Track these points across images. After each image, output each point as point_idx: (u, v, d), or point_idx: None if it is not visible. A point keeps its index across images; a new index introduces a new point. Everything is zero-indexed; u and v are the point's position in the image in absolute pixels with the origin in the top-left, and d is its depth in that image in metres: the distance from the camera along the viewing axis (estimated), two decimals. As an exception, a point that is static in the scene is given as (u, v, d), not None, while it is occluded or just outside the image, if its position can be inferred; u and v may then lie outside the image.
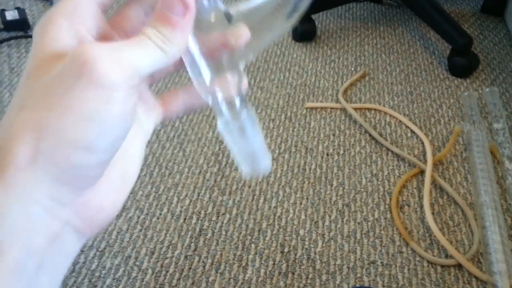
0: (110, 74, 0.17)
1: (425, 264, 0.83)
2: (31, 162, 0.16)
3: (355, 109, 1.13)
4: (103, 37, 0.21)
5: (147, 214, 0.89)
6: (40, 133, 0.17)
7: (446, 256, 0.84)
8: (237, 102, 0.24)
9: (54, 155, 0.17)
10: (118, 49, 0.18)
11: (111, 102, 0.17)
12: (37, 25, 0.19)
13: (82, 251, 0.82)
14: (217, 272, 0.81)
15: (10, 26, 1.35)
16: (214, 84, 0.23)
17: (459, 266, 0.82)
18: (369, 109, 1.15)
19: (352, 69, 1.28)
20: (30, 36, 1.32)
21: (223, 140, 1.05)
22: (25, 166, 0.16)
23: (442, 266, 0.82)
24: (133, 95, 0.19)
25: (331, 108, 1.15)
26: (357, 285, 0.79)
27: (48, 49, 0.18)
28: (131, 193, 0.91)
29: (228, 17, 0.22)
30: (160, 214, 0.89)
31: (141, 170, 0.96)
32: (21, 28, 1.36)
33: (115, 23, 0.22)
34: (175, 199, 0.93)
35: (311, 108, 1.15)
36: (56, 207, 0.18)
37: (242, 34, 0.22)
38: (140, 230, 0.87)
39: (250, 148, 0.25)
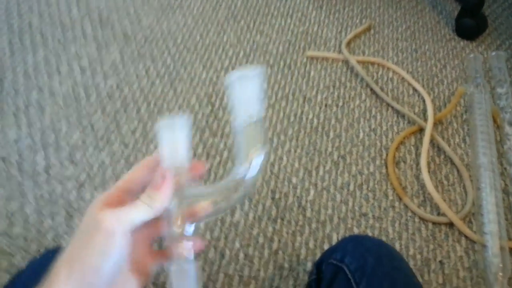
0: (111, 226, 0.28)
1: (417, 220, 0.81)
2: (66, 281, 0.27)
3: (358, 61, 1.08)
4: (118, 201, 0.32)
5: (132, 149, 0.84)
6: (71, 265, 0.28)
7: (438, 214, 0.82)
8: (188, 253, 0.33)
9: (78, 276, 0.28)
10: (120, 211, 0.29)
11: (113, 242, 0.28)
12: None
13: (60, 181, 0.77)
14: (203, 213, 0.78)
15: None
16: (177, 236, 0.33)
17: (450, 224, 0.81)
18: (372, 63, 1.10)
19: (357, 21, 1.22)
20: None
21: (216, 82, 0.99)
22: (63, 283, 0.27)
23: (434, 223, 0.81)
24: (127, 237, 0.29)
25: (333, 59, 1.09)
26: (348, 235, 0.77)
27: (84, 219, 0.30)
28: (116, 128, 0.86)
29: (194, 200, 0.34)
30: (146, 151, 0.85)
31: (128, 104, 0.90)
32: None
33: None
34: (164, 137, 0.88)
35: (312, 57, 1.09)
36: None
37: (204, 207, 0.33)
38: (124, 165, 0.82)
39: None
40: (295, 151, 0.89)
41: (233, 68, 1.03)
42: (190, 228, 0.33)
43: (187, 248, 0.32)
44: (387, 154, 0.90)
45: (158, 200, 0.30)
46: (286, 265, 0.73)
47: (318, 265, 0.57)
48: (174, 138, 0.33)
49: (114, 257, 0.28)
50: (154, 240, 0.36)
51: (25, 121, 0.84)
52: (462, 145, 0.95)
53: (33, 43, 0.98)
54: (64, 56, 0.97)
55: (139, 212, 0.30)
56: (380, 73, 1.08)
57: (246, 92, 0.33)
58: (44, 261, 0.32)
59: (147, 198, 0.30)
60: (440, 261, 0.76)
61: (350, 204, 0.82)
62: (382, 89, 1.04)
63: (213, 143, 0.88)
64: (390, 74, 1.08)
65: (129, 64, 0.99)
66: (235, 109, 0.33)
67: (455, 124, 0.99)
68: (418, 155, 0.91)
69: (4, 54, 0.95)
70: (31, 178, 0.76)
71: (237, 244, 0.74)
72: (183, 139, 0.34)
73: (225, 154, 0.87)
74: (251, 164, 0.33)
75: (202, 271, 0.71)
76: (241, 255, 0.73)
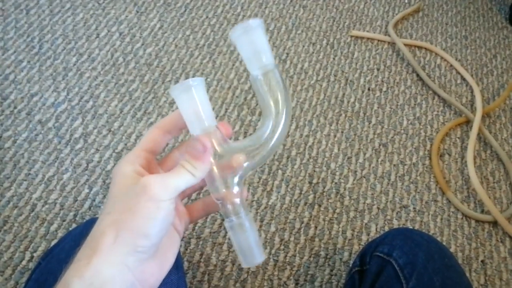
0: (158, 193, 0.29)
1: (459, 216, 0.78)
2: (113, 245, 0.28)
3: (405, 45, 1.02)
4: (150, 170, 0.34)
5: (170, 122, 0.82)
6: (118, 228, 0.29)
7: (482, 211, 0.79)
8: (238, 206, 0.34)
9: (126, 240, 0.28)
10: (165, 177, 0.30)
11: (159, 208, 0.29)
12: (113, 169, 0.33)
13: (97, 149, 0.76)
14: (239, 193, 0.76)
15: None
16: (223, 194, 0.34)
17: (494, 223, 0.77)
18: (420, 47, 1.04)
19: (406, 1, 1.15)
20: None
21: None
22: (109, 246, 0.28)
23: (477, 221, 0.78)
24: (173, 203, 0.30)
25: (379, 40, 1.04)
26: (387, 227, 0.74)
27: (121, 182, 0.31)
28: (153, 98, 0.83)
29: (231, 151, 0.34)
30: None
31: (166, 75, 0.87)
32: None
33: (163, 162, 0.36)
34: (201, 111, 0.85)
35: (356, 37, 1.04)
36: (126, 271, 0.29)
37: (240, 160, 0.33)
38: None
39: (246, 243, 0.33)
40: (335, 136, 0.86)
41: (273, 43, 0.99)
42: (233, 181, 0.33)
43: (235, 203, 0.33)
44: (431, 145, 0.87)
45: (200, 170, 0.31)
46: (322, 253, 0.71)
47: (361, 256, 0.55)
48: (196, 101, 0.33)
49: (161, 223, 0.29)
50: (186, 197, 0.39)
51: (63, 86, 0.82)
52: (510, 141, 0.91)
53: (72, 4, 0.95)
54: (103, 19, 0.94)
55: (183, 180, 0.30)
56: (427, 58, 1.03)
57: (253, 43, 0.33)
58: (85, 230, 0.31)
59: (190, 167, 0.31)
60: (482, 261, 0.73)
61: (391, 194, 0.79)
62: (429, 75, 0.99)
63: (251, 121, 0.85)
64: (438, 61, 1.03)
65: (168, 32, 0.95)
66: (248, 61, 0.33)
67: (503, 118, 0.94)
68: (464, 148, 0.87)
69: (43, 12, 0.92)
70: (68, 144, 0.75)
71: (272, 228, 0.73)
72: (205, 99, 0.33)
73: (263, 133, 0.84)
74: (279, 113, 0.33)
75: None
76: (277, 239, 0.71)
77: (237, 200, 0.33)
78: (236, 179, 0.33)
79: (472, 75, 1.01)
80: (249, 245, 0.33)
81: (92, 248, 0.28)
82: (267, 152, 0.34)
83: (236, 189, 0.33)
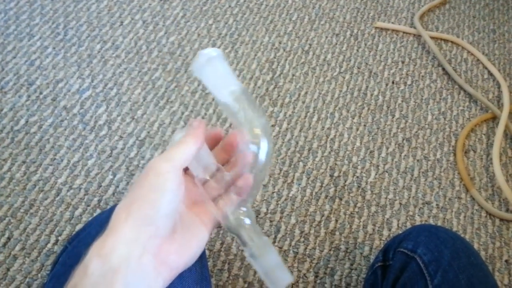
0: (162, 165, 0.31)
1: (483, 214, 0.77)
2: (125, 222, 0.30)
3: (431, 37, 1.00)
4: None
5: (191, 111, 0.82)
6: (130, 206, 0.30)
7: (507, 210, 0.77)
8: (246, 233, 0.34)
9: (137, 214, 0.30)
10: (166, 152, 0.32)
11: (165, 180, 0.31)
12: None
13: (121, 137, 0.76)
14: (260, 184, 0.76)
15: None
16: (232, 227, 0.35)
17: (519, 222, 0.76)
18: (446, 41, 1.02)
19: (433, -7, 1.12)
20: None
21: (279, 48, 0.95)
22: (122, 223, 0.30)
23: (501, 220, 0.76)
24: (178, 176, 0.31)
25: (404, 33, 1.02)
26: (410, 223, 0.73)
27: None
28: (176, 87, 0.84)
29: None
30: (206, 114, 0.82)
31: (189, 64, 0.87)
32: None
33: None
34: (223, 101, 0.85)
35: (381, 29, 1.02)
36: (140, 248, 0.29)
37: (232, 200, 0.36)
38: (183, 126, 0.80)
39: (268, 268, 0.33)
40: (357, 129, 0.85)
41: (296, 34, 0.98)
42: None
43: (246, 234, 0.34)
44: (456, 141, 0.85)
45: (193, 135, 0.33)
46: (342, 247, 0.70)
47: (385, 251, 0.54)
48: (221, 70, 0.33)
49: (169, 194, 0.30)
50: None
51: (88, 72, 0.83)
52: (538, 139, 0.88)
53: (95, -9, 0.96)
54: (127, 7, 0.94)
55: (182, 150, 0.32)
56: (453, 52, 1.00)
57: (218, 71, 0.33)
58: (110, 216, 0.32)
59: (186, 138, 0.33)
60: (506, 261, 0.72)
61: (413, 190, 0.78)
62: (455, 69, 0.97)
63: (273, 112, 0.85)
64: (465, 55, 1.00)
65: (191, 21, 0.95)
66: (216, 90, 0.34)
67: (531, 116, 0.92)
68: (489, 145, 0.85)
69: None
70: (93, 130, 0.76)
71: (293, 220, 0.72)
72: (227, 68, 0.34)
73: (284, 124, 0.83)
74: (258, 135, 0.34)
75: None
76: (297, 231, 0.71)
77: (248, 229, 0.34)
78: (241, 214, 0.34)
79: (499, 70, 0.98)
80: (270, 270, 0.33)
81: (108, 229, 0.30)
82: (258, 176, 0.34)
83: (246, 221, 0.34)
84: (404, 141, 0.84)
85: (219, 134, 0.38)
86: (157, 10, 0.95)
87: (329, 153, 0.81)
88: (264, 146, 0.34)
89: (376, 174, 0.79)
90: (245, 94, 0.34)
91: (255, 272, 0.66)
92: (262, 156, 0.34)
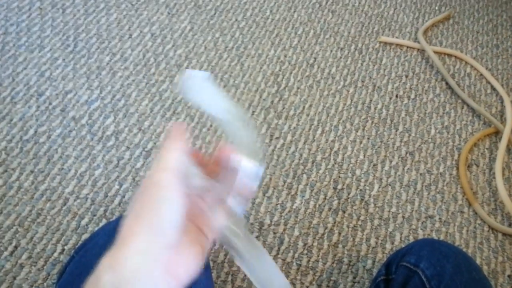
0: (159, 177, 0.31)
1: (486, 228, 0.77)
2: (137, 231, 0.30)
3: (434, 52, 1.01)
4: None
5: (197, 123, 0.83)
6: (139, 214, 0.31)
7: (510, 225, 0.78)
8: (237, 240, 0.34)
9: (149, 224, 0.30)
10: (162, 162, 0.32)
11: (169, 191, 0.31)
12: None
13: (128, 147, 0.77)
14: (264, 195, 0.77)
15: None
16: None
17: (522, 237, 0.76)
18: (450, 55, 1.03)
19: (436, 8, 1.14)
20: None
21: (284, 61, 0.96)
22: (132, 236, 0.30)
23: (504, 234, 0.76)
24: (180, 184, 0.31)
25: (408, 47, 1.03)
26: (413, 237, 0.74)
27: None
28: (182, 99, 0.85)
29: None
30: (211, 126, 0.84)
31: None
32: None
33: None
34: (228, 113, 0.86)
35: (385, 43, 1.03)
36: (151, 259, 0.30)
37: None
38: (188, 138, 0.81)
39: (261, 273, 0.33)
40: (361, 142, 0.86)
41: (301, 48, 1.00)
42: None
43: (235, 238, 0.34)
44: (459, 155, 0.86)
45: (173, 138, 0.33)
46: (345, 260, 0.71)
47: (387, 265, 0.55)
48: (211, 92, 0.34)
49: (175, 202, 0.31)
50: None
51: (96, 84, 0.84)
52: (541, 154, 0.89)
53: (106, 4, 0.98)
54: (136, 20, 0.96)
55: (168, 155, 0.32)
56: (457, 66, 1.02)
57: (209, 88, 0.34)
58: (117, 226, 0.32)
59: (167, 144, 0.33)
60: (509, 276, 0.72)
61: (416, 204, 0.79)
62: (458, 84, 0.98)
63: (277, 124, 0.86)
64: (468, 69, 1.01)
65: (198, 34, 0.97)
66: (211, 108, 0.34)
67: (534, 131, 0.92)
68: (492, 159, 0.86)
69: (78, 11, 0.95)
70: (100, 141, 0.77)
71: (296, 232, 0.73)
72: (215, 91, 0.34)
73: (289, 137, 0.84)
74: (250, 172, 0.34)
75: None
76: (300, 244, 0.72)
77: (242, 238, 0.34)
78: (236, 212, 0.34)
79: (502, 85, 0.99)
80: (264, 276, 0.33)
81: (120, 241, 0.30)
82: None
83: (239, 230, 0.34)
84: (407, 155, 0.85)
85: (198, 154, 0.38)
86: (165, 23, 0.97)
87: (333, 165, 0.82)
88: (253, 165, 0.34)
89: (379, 187, 0.80)
90: (236, 111, 0.35)
91: (258, 284, 0.66)
92: (251, 176, 0.34)
